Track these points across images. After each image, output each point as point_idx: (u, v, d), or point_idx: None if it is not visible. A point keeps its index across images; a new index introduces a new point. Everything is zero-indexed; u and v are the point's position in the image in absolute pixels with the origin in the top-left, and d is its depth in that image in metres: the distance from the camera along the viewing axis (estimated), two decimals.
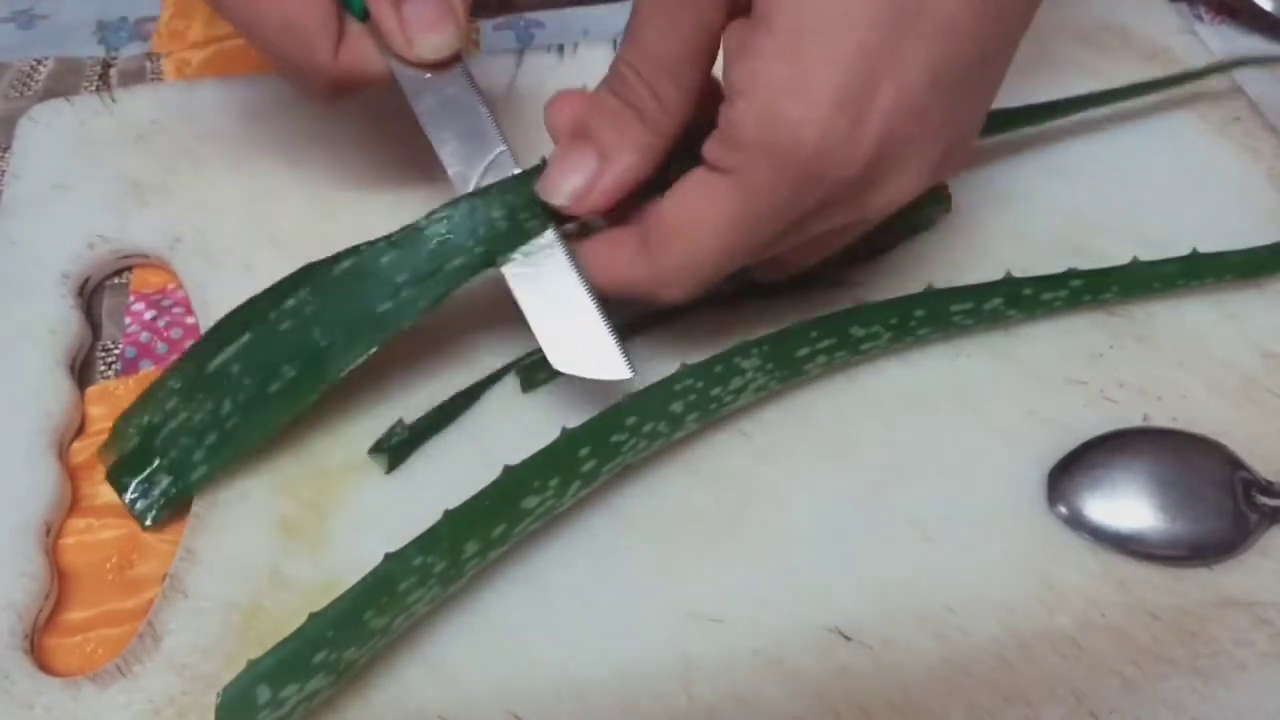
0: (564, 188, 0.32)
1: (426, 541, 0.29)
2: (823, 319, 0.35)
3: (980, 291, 0.36)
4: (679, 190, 0.30)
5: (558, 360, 0.32)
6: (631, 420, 0.32)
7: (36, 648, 0.31)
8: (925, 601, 0.32)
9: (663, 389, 0.33)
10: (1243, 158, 0.43)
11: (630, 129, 0.31)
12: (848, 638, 0.31)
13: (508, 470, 0.31)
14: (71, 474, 0.34)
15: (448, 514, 0.30)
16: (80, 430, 0.36)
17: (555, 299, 0.33)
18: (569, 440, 0.31)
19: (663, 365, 0.33)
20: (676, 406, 0.33)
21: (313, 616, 0.28)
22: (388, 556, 0.29)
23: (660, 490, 0.34)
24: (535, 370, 0.36)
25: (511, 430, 0.35)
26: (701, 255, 0.30)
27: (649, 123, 0.31)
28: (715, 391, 0.33)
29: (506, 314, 0.38)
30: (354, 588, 0.28)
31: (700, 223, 0.30)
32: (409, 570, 0.29)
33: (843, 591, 0.32)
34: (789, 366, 0.34)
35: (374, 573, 0.29)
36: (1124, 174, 0.42)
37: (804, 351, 0.35)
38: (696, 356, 0.34)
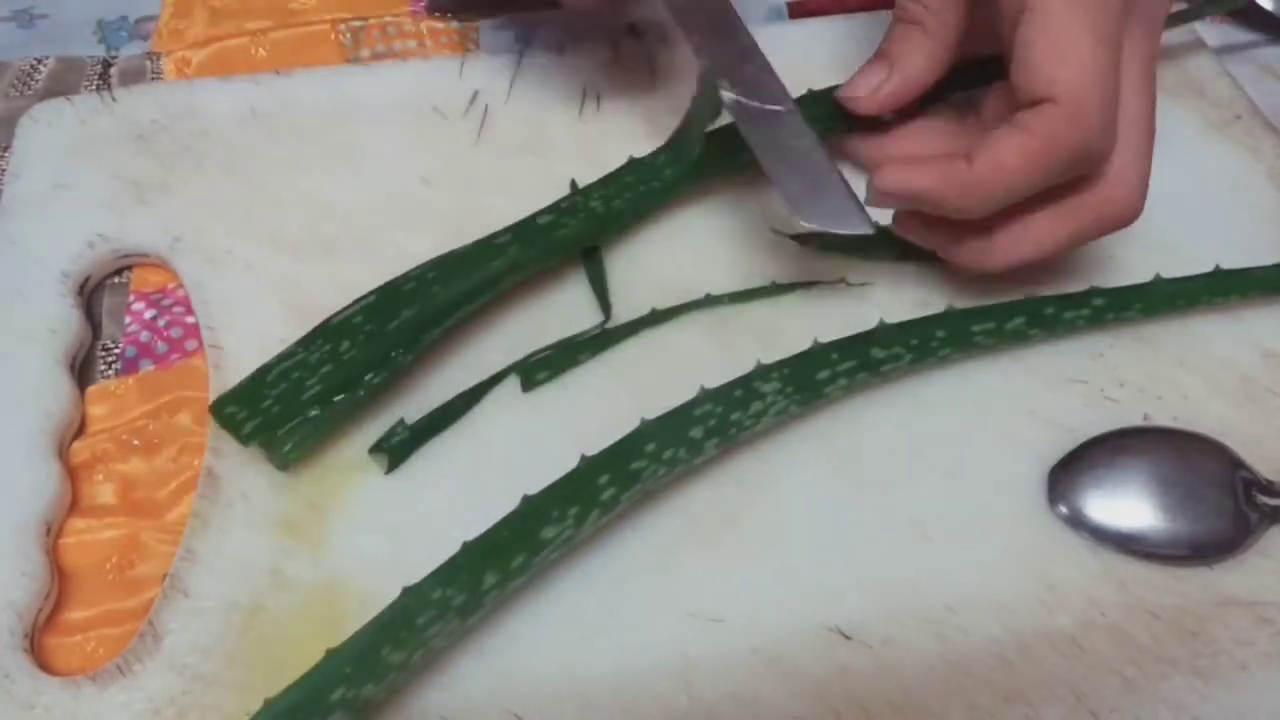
0: (860, 89, 0.38)
1: (445, 574, 0.29)
2: (843, 341, 0.35)
3: (1002, 311, 0.36)
4: (1019, 46, 0.33)
5: (805, 216, 0.35)
6: (651, 447, 0.32)
7: (37, 647, 0.31)
8: (925, 601, 0.32)
9: (682, 415, 0.33)
10: (1243, 157, 0.43)
11: (912, 38, 0.37)
12: (848, 637, 0.31)
13: (526, 500, 0.31)
14: (71, 474, 0.34)
15: (466, 545, 0.30)
16: (80, 430, 0.36)
17: (795, 159, 0.36)
18: (589, 468, 0.31)
19: (682, 391, 0.33)
20: (696, 432, 0.33)
21: (330, 653, 0.28)
22: (405, 590, 0.29)
23: (660, 490, 0.34)
24: (535, 370, 0.36)
25: (512, 430, 0.35)
26: (1087, 56, 0.32)
27: (928, 31, 0.36)
28: (735, 416, 0.33)
29: (508, 314, 0.38)
30: (371, 623, 0.28)
31: (1060, 32, 0.32)
32: (427, 604, 0.29)
33: (843, 591, 0.32)
34: (809, 389, 0.34)
35: (391, 607, 0.28)
36: None
37: (824, 374, 0.34)
38: (713, 379, 0.34)
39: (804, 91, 0.40)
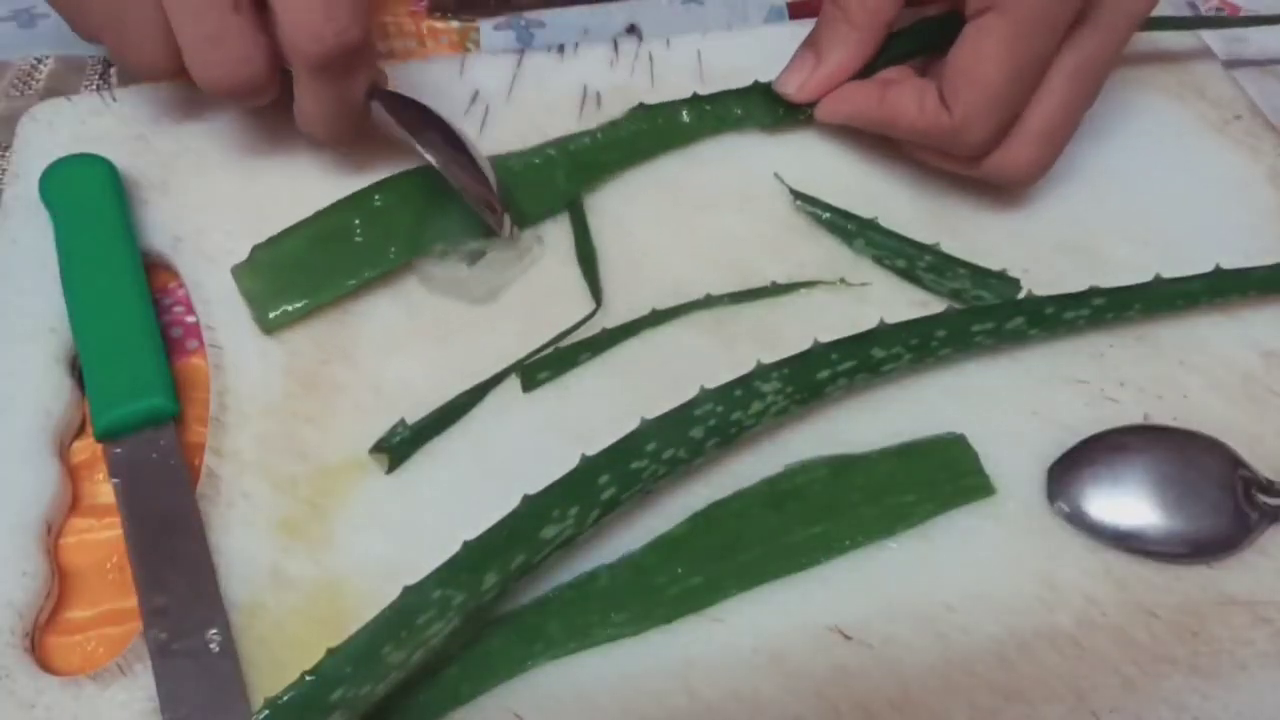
0: (791, 82, 0.41)
1: (445, 573, 0.29)
2: (843, 341, 0.35)
3: (1002, 311, 0.36)
4: (957, 44, 0.37)
5: None
6: (651, 446, 0.32)
7: (37, 646, 0.31)
8: (925, 600, 0.32)
9: (682, 414, 0.33)
10: (1243, 156, 0.43)
11: (837, 29, 0.39)
12: (848, 637, 0.31)
13: (527, 499, 0.31)
14: (72, 473, 0.34)
15: (466, 545, 0.30)
16: (80, 429, 0.36)
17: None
18: (589, 467, 0.31)
19: (682, 390, 0.33)
20: (696, 432, 0.33)
21: (330, 652, 0.28)
22: (405, 590, 0.29)
23: (660, 489, 0.34)
24: (535, 370, 0.36)
25: (512, 430, 0.35)
26: (992, 88, 0.36)
27: (854, 23, 0.39)
28: (735, 416, 0.33)
29: (511, 312, 0.38)
30: (372, 622, 0.28)
31: (982, 58, 0.36)
32: (428, 603, 0.29)
33: (843, 591, 0.32)
34: (809, 389, 0.34)
35: (392, 606, 0.28)
36: (1124, 172, 0.42)
37: (824, 374, 0.34)
38: (713, 378, 0.34)
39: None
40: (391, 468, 0.34)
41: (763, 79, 0.42)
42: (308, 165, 0.41)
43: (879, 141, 0.42)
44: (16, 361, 0.36)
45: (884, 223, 0.40)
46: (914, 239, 0.39)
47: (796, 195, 0.40)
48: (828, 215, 0.40)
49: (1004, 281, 0.38)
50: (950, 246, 0.39)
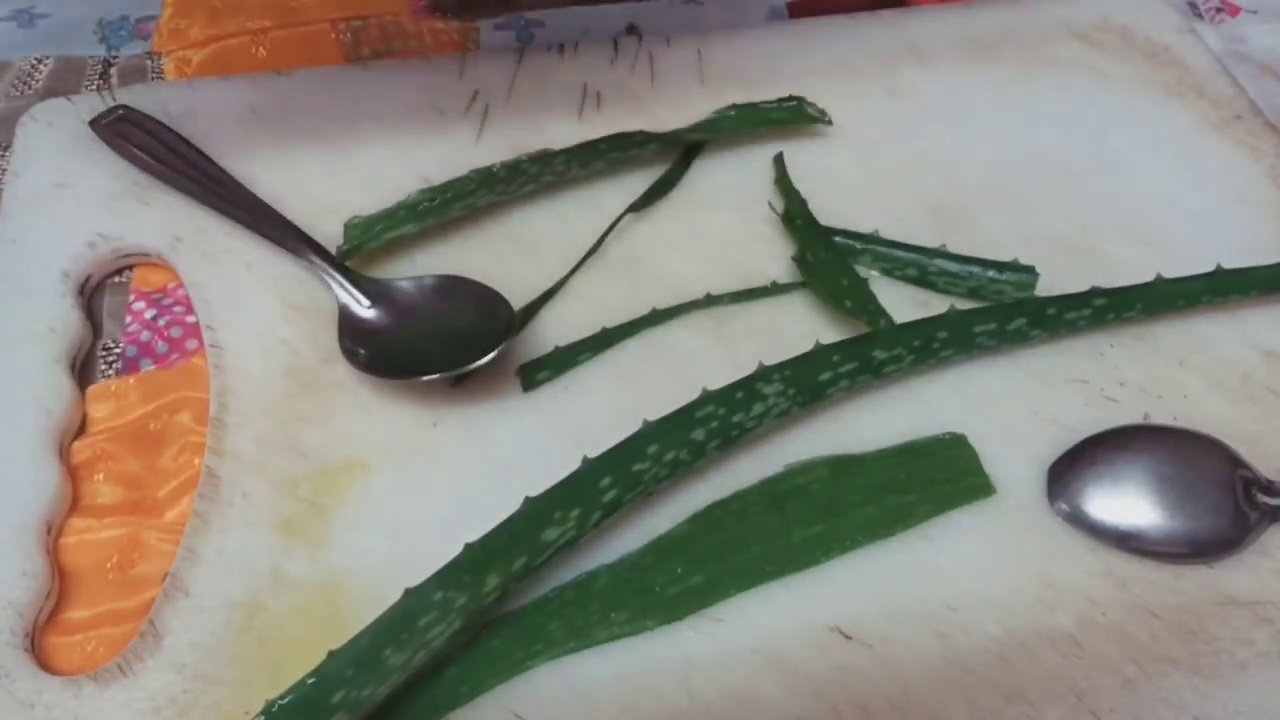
0: None
1: (446, 576, 0.29)
2: (845, 343, 0.35)
3: (1004, 312, 0.36)
4: None
5: None
6: (653, 449, 0.32)
7: (37, 646, 0.31)
8: (925, 600, 0.32)
9: (684, 416, 0.33)
10: (1243, 156, 0.43)
11: None
12: (848, 637, 0.31)
13: (528, 501, 0.31)
14: (72, 474, 0.34)
15: (468, 547, 0.30)
16: (80, 430, 0.36)
17: None
18: (591, 470, 0.31)
19: (682, 391, 0.33)
20: (698, 434, 0.33)
21: (331, 655, 0.28)
22: (407, 592, 0.29)
23: (660, 488, 0.34)
24: (535, 370, 0.36)
25: (512, 431, 0.35)
26: None
27: None
28: (737, 418, 0.33)
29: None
30: (373, 624, 0.28)
31: None
32: (429, 606, 0.29)
33: (843, 591, 0.32)
34: (811, 391, 0.34)
35: (393, 608, 0.28)
36: (1125, 173, 0.42)
37: (826, 376, 0.34)
38: (714, 379, 0.34)
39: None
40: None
41: (762, 78, 0.42)
42: (308, 164, 0.41)
43: (877, 145, 0.42)
44: (17, 362, 0.35)
45: (885, 233, 0.39)
46: (920, 245, 0.39)
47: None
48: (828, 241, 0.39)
49: (1021, 270, 0.38)
50: (954, 248, 0.39)
